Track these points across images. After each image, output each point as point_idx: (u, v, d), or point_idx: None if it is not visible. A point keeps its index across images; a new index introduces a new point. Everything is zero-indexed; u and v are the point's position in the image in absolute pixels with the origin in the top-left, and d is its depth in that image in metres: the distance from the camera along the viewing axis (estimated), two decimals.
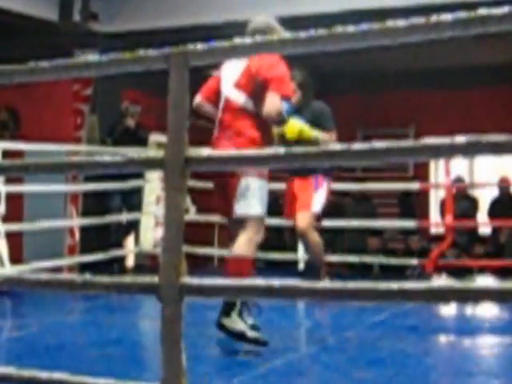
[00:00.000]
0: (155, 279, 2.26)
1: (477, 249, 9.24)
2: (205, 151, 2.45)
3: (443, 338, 5.06)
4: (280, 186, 6.19)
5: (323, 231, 6.26)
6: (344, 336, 4.72)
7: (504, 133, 1.98)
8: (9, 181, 6.76)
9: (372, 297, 2.10)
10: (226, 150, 4.01)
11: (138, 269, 8.54)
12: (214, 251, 9.19)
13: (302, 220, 5.72)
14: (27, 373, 2.46)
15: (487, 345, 4.75)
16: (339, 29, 2.10)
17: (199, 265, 8.43)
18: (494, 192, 9.82)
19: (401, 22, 2.02)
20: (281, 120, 4.34)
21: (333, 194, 6.30)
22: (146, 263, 8.80)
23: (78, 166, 2.73)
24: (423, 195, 10.66)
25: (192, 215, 8.46)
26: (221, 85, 4.50)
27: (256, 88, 4.31)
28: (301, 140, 5.53)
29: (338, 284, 2.11)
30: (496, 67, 9.89)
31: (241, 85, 4.36)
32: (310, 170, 5.72)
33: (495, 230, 9.40)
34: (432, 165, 10.97)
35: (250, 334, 4.03)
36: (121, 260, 8.27)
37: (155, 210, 8.55)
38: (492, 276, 8.40)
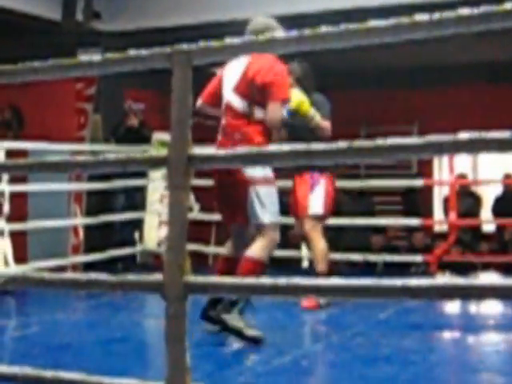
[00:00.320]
0: (159, 277, 2.26)
1: (481, 246, 9.23)
2: (208, 150, 2.45)
3: (448, 335, 5.06)
4: (283, 183, 6.16)
5: (325, 229, 6.11)
6: (348, 333, 4.72)
7: (508, 130, 1.98)
8: (13, 180, 6.76)
9: (376, 294, 2.10)
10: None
11: (142, 267, 8.55)
12: (210, 249, 9.15)
13: (305, 224, 5.65)
14: (32, 372, 2.47)
15: (492, 342, 4.74)
16: (342, 26, 2.10)
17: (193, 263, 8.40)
18: (498, 189, 9.81)
19: (404, 19, 2.02)
20: (283, 125, 4.37)
21: (336, 191, 6.10)
22: (149, 262, 8.80)
23: (82, 164, 2.73)
24: (427, 192, 10.65)
25: (196, 213, 8.45)
26: (222, 87, 4.51)
27: (253, 92, 4.33)
28: (298, 112, 5.11)
29: (342, 281, 2.11)
30: (500, 64, 9.88)
31: (239, 90, 4.38)
32: (304, 167, 5.54)
33: (499, 227, 9.38)
34: (436, 162, 10.96)
35: (249, 332, 4.10)
36: (125, 259, 8.28)
37: (159, 208, 8.54)
38: (496, 273, 8.39)
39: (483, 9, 1.92)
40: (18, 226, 6.93)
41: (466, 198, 9.13)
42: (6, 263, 6.57)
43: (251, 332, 4.12)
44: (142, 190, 8.49)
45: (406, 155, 2.27)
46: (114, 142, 8.37)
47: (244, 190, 4.29)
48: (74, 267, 7.82)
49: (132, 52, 2.41)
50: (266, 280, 2.25)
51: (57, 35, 8.21)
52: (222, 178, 4.38)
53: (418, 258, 8.01)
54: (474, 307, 5.95)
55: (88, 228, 8.13)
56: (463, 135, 1.97)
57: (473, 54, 9.60)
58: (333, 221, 7.57)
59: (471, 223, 9.03)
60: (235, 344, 4.24)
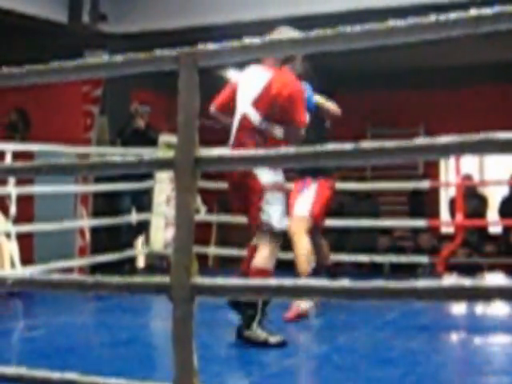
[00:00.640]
0: (166, 279, 2.27)
1: (488, 247, 9.21)
2: (215, 151, 2.45)
3: (454, 337, 5.05)
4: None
5: (328, 231, 5.99)
6: (355, 335, 4.72)
7: None
8: (19, 182, 6.78)
9: (383, 296, 2.10)
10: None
11: (149, 269, 8.56)
12: (210, 250, 9.14)
13: (292, 224, 5.36)
14: (39, 373, 2.47)
15: (498, 343, 4.74)
16: (348, 28, 2.10)
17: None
18: (505, 190, 9.79)
19: (410, 21, 2.02)
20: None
21: (336, 193, 5.95)
22: (156, 264, 8.81)
23: (89, 167, 2.74)
24: (433, 193, 10.63)
25: (203, 215, 8.45)
26: (237, 97, 4.50)
27: (273, 109, 4.35)
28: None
29: (348, 283, 2.11)
30: (506, 65, 9.86)
31: (259, 104, 4.38)
32: (298, 172, 5.55)
33: (506, 229, 9.36)
34: (442, 163, 10.94)
35: (272, 339, 4.28)
36: (131, 261, 8.30)
37: (165, 210, 8.55)
38: (503, 274, 8.37)
39: (491, 10, 1.91)
40: (24, 228, 6.94)
41: (472, 200, 9.11)
42: (13, 265, 6.59)
43: (274, 339, 4.29)
44: (148, 192, 8.50)
45: (413, 157, 2.26)
46: (120, 144, 8.38)
47: (255, 195, 4.34)
48: (81, 269, 7.83)
49: (139, 54, 2.41)
50: (271, 281, 2.25)
51: (63, 37, 8.22)
52: (234, 181, 4.42)
53: (425, 260, 8.01)
54: (480, 309, 5.94)
55: (94, 230, 8.15)
56: (470, 136, 1.97)
57: (480, 55, 9.59)
58: (339, 222, 7.59)
59: (478, 224, 9.01)
60: (244, 346, 4.25)
